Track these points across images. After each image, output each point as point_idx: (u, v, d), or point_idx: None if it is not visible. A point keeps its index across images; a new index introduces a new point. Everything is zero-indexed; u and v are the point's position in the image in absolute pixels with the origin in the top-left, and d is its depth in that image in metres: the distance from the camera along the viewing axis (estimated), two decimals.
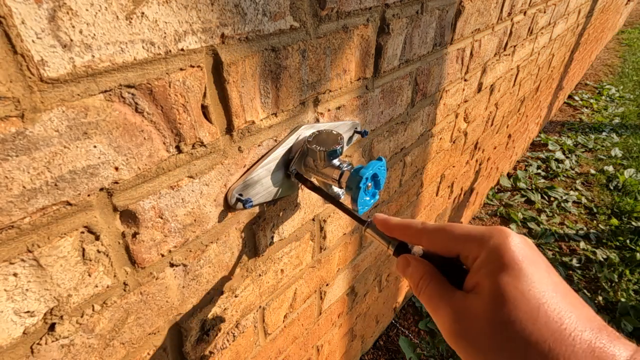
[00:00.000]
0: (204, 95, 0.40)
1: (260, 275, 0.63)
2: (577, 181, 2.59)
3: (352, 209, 0.49)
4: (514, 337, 0.24)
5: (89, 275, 0.37)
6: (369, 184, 0.51)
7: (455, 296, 0.29)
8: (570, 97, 3.90)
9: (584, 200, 2.41)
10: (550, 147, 2.94)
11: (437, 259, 0.33)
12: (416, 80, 0.81)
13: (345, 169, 0.51)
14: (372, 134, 0.75)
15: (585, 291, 1.81)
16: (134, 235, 0.40)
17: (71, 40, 0.28)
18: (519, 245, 0.27)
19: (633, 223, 2.20)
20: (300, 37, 0.47)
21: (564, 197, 2.40)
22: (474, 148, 1.51)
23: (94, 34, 0.29)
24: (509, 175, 2.59)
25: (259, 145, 0.50)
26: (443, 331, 0.29)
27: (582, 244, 2.08)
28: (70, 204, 0.33)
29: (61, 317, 0.37)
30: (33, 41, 0.26)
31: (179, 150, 0.40)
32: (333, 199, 0.52)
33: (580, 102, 3.80)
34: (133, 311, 0.43)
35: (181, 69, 0.37)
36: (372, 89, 0.67)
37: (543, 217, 2.26)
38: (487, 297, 0.26)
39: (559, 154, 2.85)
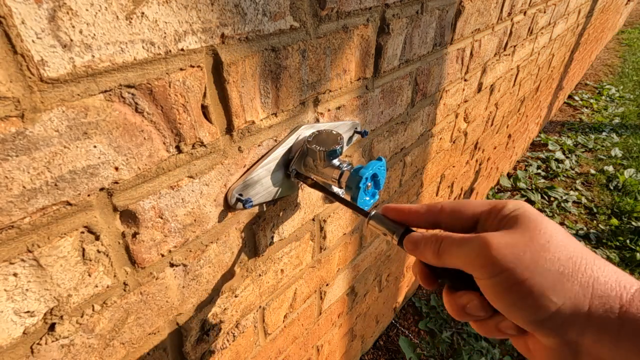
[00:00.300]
0: (204, 95, 0.40)
1: (260, 275, 0.63)
2: (577, 181, 2.59)
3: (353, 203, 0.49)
4: (550, 251, 0.26)
5: (89, 275, 0.37)
6: (369, 184, 0.51)
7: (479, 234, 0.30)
8: (570, 97, 3.90)
9: (584, 200, 2.41)
10: (550, 147, 2.94)
11: None
12: (416, 80, 0.81)
13: (345, 169, 0.51)
14: (372, 134, 0.75)
15: None
16: (134, 235, 0.40)
17: (71, 40, 0.28)
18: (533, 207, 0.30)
19: (633, 223, 2.20)
20: (300, 37, 0.47)
21: (564, 197, 2.40)
22: (474, 148, 1.51)
23: (94, 34, 0.29)
24: (509, 175, 2.59)
25: (259, 145, 0.50)
26: (473, 255, 0.28)
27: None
28: (70, 204, 0.33)
29: (61, 317, 0.37)
30: (33, 41, 0.26)
31: (179, 150, 0.40)
32: (334, 194, 0.52)
33: (580, 102, 3.80)
34: (133, 311, 0.43)
35: (181, 69, 0.37)
36: (372, 89, 0.67)
37: None
38: (515, 221, 0.28)
39: (559, 154, 2.85)
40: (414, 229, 0.37)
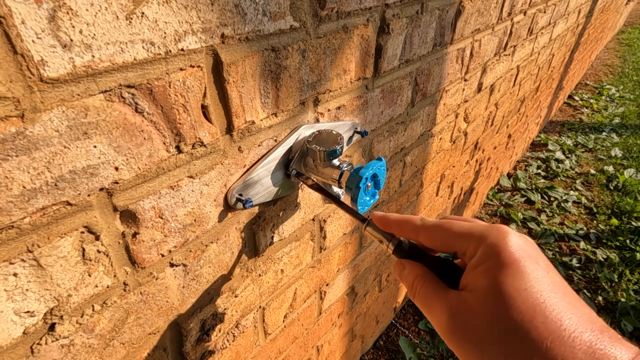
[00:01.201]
0: (204, 95, 0.40)
1: (260, 275, 0.63)
2: (577, 181, 2.59)
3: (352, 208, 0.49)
4: (510, 334, 0.24)
5: (89, 275, 0.37)
6: (369, 184, 0.51)
7: (450, 294, 0.29)
8: (570, 97, 3.90)
9: (584, 200, 2.41)
10: (550, 147, 2.94)
11: (433, 260, 0.33)
12: (416, 80, 0.81)
13: (345, 169, 0.51)
14: (372, 134, 0.75)
15: (585, 291, 1.81)
16: (134, 235, 0.40)
17: (71, 40, 0.28)
18: (518, 244, 0.27)
19: (633, 223, 2.20)
20: (300, 37, 0.47)
21: (564, 197, 2.40)
22: (474, 148, 1.51)
23: (94, 34, 0.29)
24: (509, 175, 2.59)
25: (259, 145, 0.50)
26: (439, 329, 0.29)
27: (582, 244, 2.08)
28: (70, 204, 0.33)
29: (61, 317, 0.37)
30: (33, 41, 0.26)
31: (179, 150, 0.40)
32: (332, 197, 0.52)
33: (580, 102, 3.80)
34: (133, 311, 0.43)
35: (181, 69, 0.37)
36: (372, 89, 0.67)
37: (543, 217, 2.26)
38: (483, 294, 0.26)
39: (559, 154, 2.85)
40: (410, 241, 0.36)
